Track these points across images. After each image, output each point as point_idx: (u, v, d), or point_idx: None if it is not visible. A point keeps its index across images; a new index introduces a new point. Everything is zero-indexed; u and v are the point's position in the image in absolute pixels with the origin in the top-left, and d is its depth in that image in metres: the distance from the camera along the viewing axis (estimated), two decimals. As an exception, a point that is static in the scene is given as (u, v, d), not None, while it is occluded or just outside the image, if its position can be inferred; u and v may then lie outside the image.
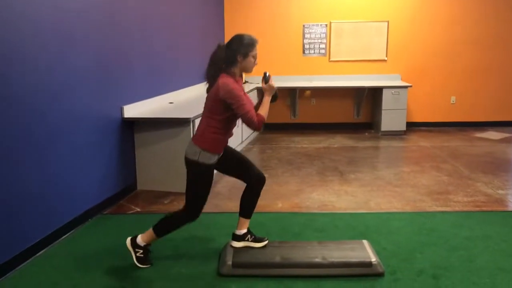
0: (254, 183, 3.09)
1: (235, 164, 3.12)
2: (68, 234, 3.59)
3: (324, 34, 7.77)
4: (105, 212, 4.10)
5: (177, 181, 4.59)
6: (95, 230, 3.71)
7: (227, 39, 8.31)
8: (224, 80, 2.83)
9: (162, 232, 3.04)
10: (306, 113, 8.03)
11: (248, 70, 2.97)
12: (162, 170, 4.61)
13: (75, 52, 3.65)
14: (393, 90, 7.21)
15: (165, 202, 4.35)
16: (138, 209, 4.19)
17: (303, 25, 7.76)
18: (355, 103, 7.95)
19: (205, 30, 6.87)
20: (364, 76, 7.82)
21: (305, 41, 7.81)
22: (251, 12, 7.76)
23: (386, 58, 7.80)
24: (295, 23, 7.77)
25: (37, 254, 3.24)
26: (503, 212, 4.02)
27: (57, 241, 3.46)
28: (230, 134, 3.04)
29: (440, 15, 7.60)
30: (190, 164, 2.92)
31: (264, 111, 2.92)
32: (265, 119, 2.90)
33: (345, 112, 8.02)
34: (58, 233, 3.48)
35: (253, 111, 2.86)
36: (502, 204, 4.23)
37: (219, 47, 2.94)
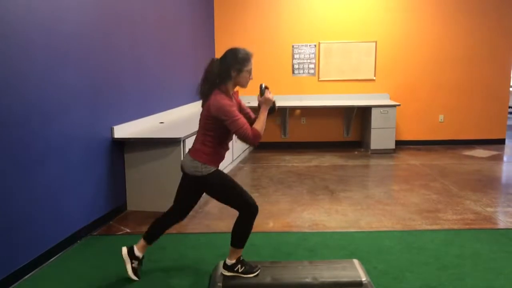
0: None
1: None
2: (56, 256, 3.55)
3: (313, 54, 7.87)
4: (94, 233, 4.06)
5: (167, 201, 4.54)
6: (85, 252, 3.67)
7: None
8: (216, 97, 2.80)
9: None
10: (296, 132, 8.08)
11: (243, 85, 2.91)
12: (152, 191, 4.59)
13: (66, 72, 3.66)
14: (382, 109, 7.30)
15: (155, 222, 4.32)
16: (128, 230, 4.16)
17: (292, 46, 7.87)
18: (345, 122, 8.02)
19: (195, 51, 6.93)
20: (353, 95, 7.91)
21: (295, 61, 7.90)
22: (241, 32, 7.85)
23: (374, 78, 7.90)
24: (284, 43, 7.87)
25: (25, 277, 3.19)
26: (492, 230, 4.05)
27: (46, 264, 3.41)
28: (226, 149, 3.01)
29: (427, 34, 7.75)
30: (200, 180, 2.90)
31: (260, 125, 2.84)
32: (261, 133, 2.83)
33: (334, 131, 8.09)
34: (46, 255, 3.44)
35: (247, 125, 2.79)
36: (491, 221, 4.27)
37: (212, 61, 2.89)
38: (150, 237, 3.17)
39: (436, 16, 7.70)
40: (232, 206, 2.98)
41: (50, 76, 3.46)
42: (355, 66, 7.88)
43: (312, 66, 7.91)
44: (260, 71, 7.89)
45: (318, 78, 7.94)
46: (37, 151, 3.33)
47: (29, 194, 3.24)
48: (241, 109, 3.03)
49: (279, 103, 8.06)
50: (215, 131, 2.86)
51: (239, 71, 2.84)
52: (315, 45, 7.85)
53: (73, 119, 3.77)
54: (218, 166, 2.97)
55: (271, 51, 7.88)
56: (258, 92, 2.94)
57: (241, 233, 2.97)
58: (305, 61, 7.90)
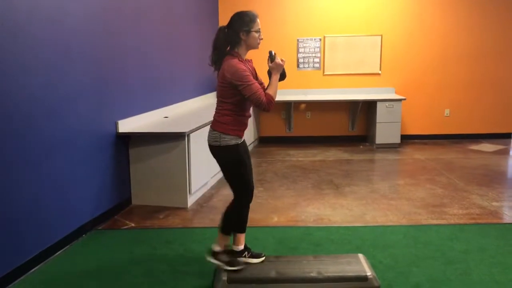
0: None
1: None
2: (62, 249, 3.57)
3: (318, 48, 7.83)
4: (99, 228, 4.07)
5: (172, 195, 4.58)
6: (90, 246, 3.69)
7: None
8: (229, 62, 2.80)
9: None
10: (301, 127, 8.06)
11: (254, 46, 2.90)
12: (157, 185, 4.60)
13: (72, 66, 3.66)
14: (387, 103, 7.26)
15: (160, 217, 4.33)
16: (133, 224, 4.17)
17: (297, 39, 7.83)
18: (350, 116, 7.99)
19: (200, 45, 6.91)
20: (359, 89, 7.87)
21: (300, 55, 7.87)
22: (245, 26, 7.81)
23: (380, 72, 7.86)
24: (289, 37, 7.83)
25: (31, 271, 3.20)
26: (498, 225, 4.02)
27: (51, 258, 3.43)
28: (248, 115, 2.96)
29: (433, 28, 7.69)
30: (215, 150, 2.89)
31: (272, 90, 2.85)
32: (274, 99, 2.84)
33: (340, 125, 8.05)
34: (52, 249, 3.46)
35: (261, 91, 2.79)
36: (497, 216, 4.24)
37: (220, 30, 2.88)
38: (226, 228, 3.09)
39: (442, 10, 7.63)
40: (232, 185, 2.96)
41: (55, 70, 3.46)
42: (360, 60, 7.83)
43: (317, 60, 7.88)
44: (265, 64, 7.88)
45: (323, 72, 7.91)
46: (42, 146, 3.33)
47: (34, 188, 3.25)
48: (256, 77, 3.00)
49: (283, 98, 8.01)
50: (233, 97, 2.83)
51: (248, 32, 2.84)
52: (320, 39, 7.81)
53: (77, 114, 3.77)
54: (241, 136, 2.94)
55: (276, 45, 7.82)
56: (267, 59, 2.95)
57: (240, 219, 2.99)
58: (310, 55, 7.86)
